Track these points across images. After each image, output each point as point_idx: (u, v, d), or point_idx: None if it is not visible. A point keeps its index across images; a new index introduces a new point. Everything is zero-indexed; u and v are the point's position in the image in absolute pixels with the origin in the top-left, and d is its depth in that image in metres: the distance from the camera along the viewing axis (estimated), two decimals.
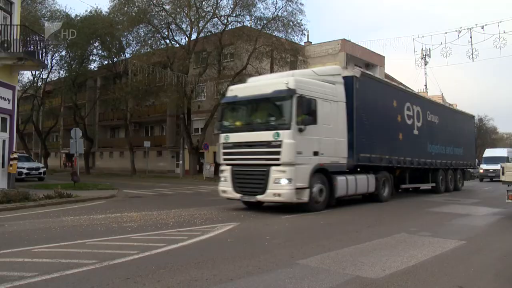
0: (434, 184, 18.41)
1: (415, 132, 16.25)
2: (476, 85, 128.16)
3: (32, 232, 7.55)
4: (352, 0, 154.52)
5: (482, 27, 26.50)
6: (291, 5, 28.81)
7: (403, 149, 15.27)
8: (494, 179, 30.54)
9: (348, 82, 12.36)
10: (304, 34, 33.65)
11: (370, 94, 13.48)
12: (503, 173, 10.34)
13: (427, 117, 17.32)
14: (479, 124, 69.29)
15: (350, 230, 8.27)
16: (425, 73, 63.25)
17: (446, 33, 30.10)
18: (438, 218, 10.24)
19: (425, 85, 63.62)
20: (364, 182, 12.83)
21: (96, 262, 5.26)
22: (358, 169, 12.98)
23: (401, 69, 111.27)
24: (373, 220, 9.86)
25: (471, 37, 27.04)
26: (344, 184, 11.78)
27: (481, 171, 32.10)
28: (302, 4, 33.94)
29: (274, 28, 29.53)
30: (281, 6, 29.04)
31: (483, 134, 69.42)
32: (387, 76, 41.27)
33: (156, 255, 5.84)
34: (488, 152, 34.86)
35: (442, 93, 64.44)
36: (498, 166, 29.57)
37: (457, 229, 8.57)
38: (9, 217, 9.60)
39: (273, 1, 39.65)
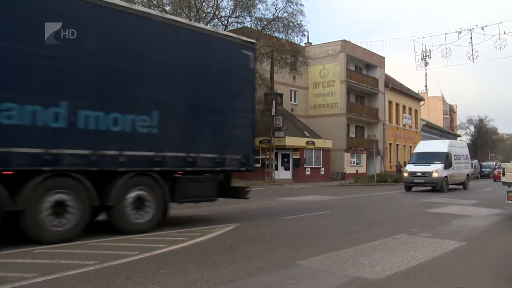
0: None
1: None
2: (477, 86, 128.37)
3: None
4: (353, 0, 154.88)
5: (482, 28, 26.58)
6: (292, 6, 28.75)
7: None
8: (436, 188, 19.71)
9: None
10: (305, 35, 33.63)
11: None
12: (503, 174, 10.40)
13: None
14: (479, 125, 69.34)
15: (350, 231, 8.28)
16: (426, 74, 63.32)
17: (446, 34, 30.18)
18: (438, 219, 10.23)
19: (425, 86, 63.94)
20: None
21: (97, 263, 5.26)
22: None
23: (402, 70, 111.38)
24: (373, 221, 9.86)
25: (471, 38, 27.11)
26: None
27: (406, 174, 20.59)
28: (303, 5, 33.78)
29: (274, 29, 29.48)
30: (281, 7, 28.97)
31: (483, 135, 69.35)
32: (387, 76, 41.20)
33: (157, 256, 5.85)
34: (421, 146, 22.59)
35: (442, 94, 64.49)
36: (430, 168, 19.24)
37: (457, 230, 8.56)
38: None
39: (273, 2, 39.61)
